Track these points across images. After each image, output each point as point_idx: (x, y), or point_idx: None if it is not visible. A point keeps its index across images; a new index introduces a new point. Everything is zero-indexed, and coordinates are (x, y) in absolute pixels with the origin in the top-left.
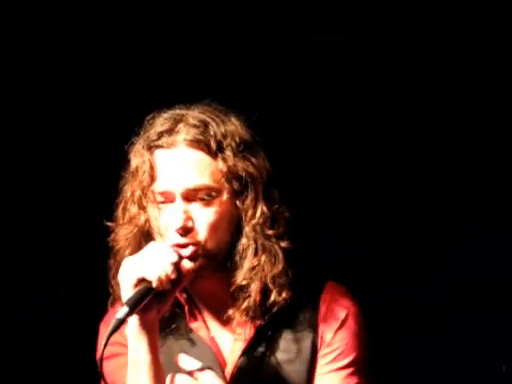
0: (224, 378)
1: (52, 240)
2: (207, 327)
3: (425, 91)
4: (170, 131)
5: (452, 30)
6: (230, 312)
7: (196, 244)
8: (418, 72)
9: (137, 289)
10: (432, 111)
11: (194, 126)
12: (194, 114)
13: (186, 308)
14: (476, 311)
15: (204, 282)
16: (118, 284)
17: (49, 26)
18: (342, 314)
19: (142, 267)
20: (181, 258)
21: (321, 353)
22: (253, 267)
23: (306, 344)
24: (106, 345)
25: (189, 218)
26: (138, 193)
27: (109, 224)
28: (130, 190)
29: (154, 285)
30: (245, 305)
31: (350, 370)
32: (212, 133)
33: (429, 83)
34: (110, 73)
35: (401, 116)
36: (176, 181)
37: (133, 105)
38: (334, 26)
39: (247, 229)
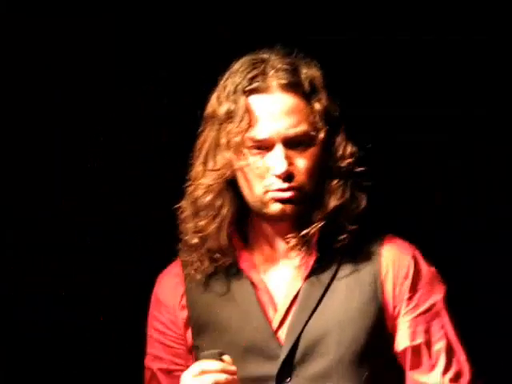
0: (271, 327)
1: (52, 240)
2: (258, 270)
3: (425, 91)
4: (262, 75)
5: (452, 30)
6: (290, 254)
7: (297, 189)
8: (417, 72)
9: None
10: (432, 111)
11: (285, 70)
12: (279, 58)
13: (240, 246)
14: (475, 311)
15: (268, 225)
16: (190, 229)
17: (48, 26)
18: (411, 259)
19: None
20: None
21: (398, 300)
22: (338, 206)
23: (367, 288)
24: None
25: (291, 164)
26: (235, 137)
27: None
28: (223, 135)
29: None
30: (312, 246)
31: (435, 310)
32: (304, 75)
33: (429, 83)
34: (109, 72)
35: (401, 116)
36: (275, 128)
37: (133, 104)
38: (332, 25)
39: (338, 169)
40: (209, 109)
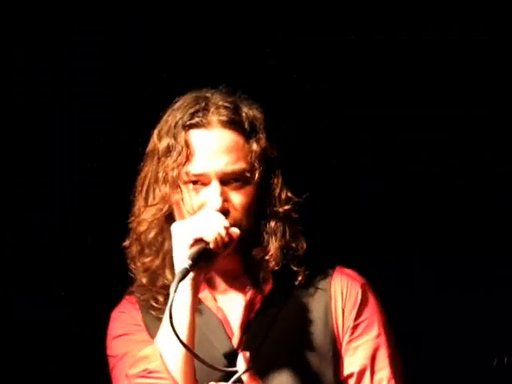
0: (232, 348)
1: (52, 240)
2: (215, 298)
3: (425, 91)
4: (204, 111)
5: (452, 30)
6: (242, 285)
7: (233, 225)
8: (417, 72)
9: (194, 247)
10: (432, 111)
11: (226, 108)
12: (221, 96)
13: None
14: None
15: (227, 262)
16: (138, 269)
17: (48, 26)
18: (359, 289)
19: (199, 228)
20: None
21: (345, 327)
22: (278, 247)
23: (318, 316)
24: (174, 293)
25: (226, 200)
26: (172, 172)
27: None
28: (161, 170)
29: (212, 245)
30: (261, 279)
31: (379, 340)
32: (244, 114)
33: (429, 83)
34: (109, 74)
35: (401, 116)
36: (213, 164)
37: (133, 105)
38: (333, 26)
39: (276, 212)
40: (150, 144)
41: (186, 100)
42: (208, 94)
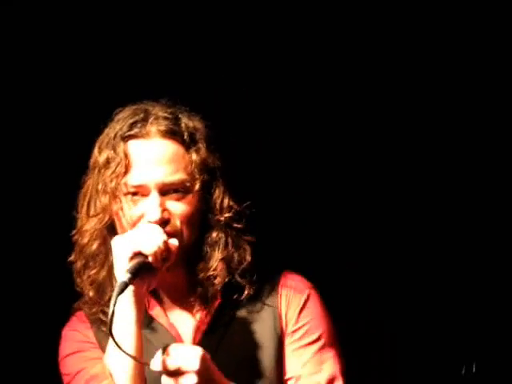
0: None
1: (52, 240)
2: (166, 315)
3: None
4: (143, 121)
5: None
6: (191, 300)
7: (174, 235)
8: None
9: (134, 261)
10: (433, 112)
11: (166, 118)
12: (162, 107)
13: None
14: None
15: (166, 276)
16: (84, 282)
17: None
18: (303, 294)
19: (138, 242)
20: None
21: (289, 331)
22: (222, 259)
23: (267, 324)
24: (114, 306)
25: (165, 210)
26: (110, 184)
27: (83, 219)
28: (101, 181)
29: (151, 259)
30: (209, 294)
31: (320, 344)
32: (184, 125)
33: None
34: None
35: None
36: (151, 175)
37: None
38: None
39: (217, 221)
40: (92, 157)
41: (126, 111)
42: (148, 106)
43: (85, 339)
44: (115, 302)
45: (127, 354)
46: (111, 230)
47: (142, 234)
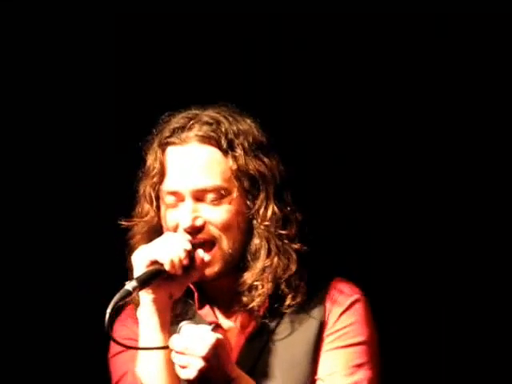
0: None
1: (52, 240)
2: (215, 315)
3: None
4: (183, 128)
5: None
6: (237, 307)
7: (211, 240)
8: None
9: (148, 269)
10: (437, 112)
11: (207, 123)
12: (208, 113)
13: (196, 295)
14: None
15: (214, 284)
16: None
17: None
18: (348, 299)
19: (155, 250)
20: (195, 247)
21: (326, 332)
22: (265, 268)
23: (311, 332)
24: (111, 312)
25: (198, 217)
26: (149, 190)
27: (124, 222)
28: (143, 187)
29: (166, 267)
30: (253, 304)
31: (355, 349)
32: (223, 130)
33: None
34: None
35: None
36: (185, 181)
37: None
38: None
39: (259, 229)
40: (144, 161)
41: (173, 117)
42: (195, 111)
43: (131, 335)
44: (112, 307)
45: (140, 348)
46: (160, 232)
47: (163, 243)
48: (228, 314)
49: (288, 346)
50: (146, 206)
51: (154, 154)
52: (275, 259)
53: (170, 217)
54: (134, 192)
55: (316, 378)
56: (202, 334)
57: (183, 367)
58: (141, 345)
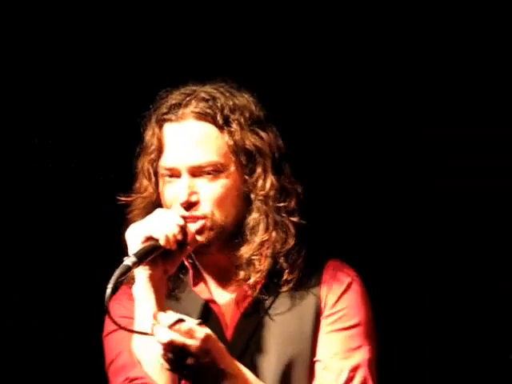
0: (225, 338)
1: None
2: (210, 292)
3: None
4: (180, 105)
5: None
6: (234, 282)
7: (203, 217)
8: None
9: (144, 245)
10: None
11: (203, 100)
12: (205, 89)
13: (191, 272)
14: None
15: (210, 257)
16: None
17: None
18: (345, 281)
19: (149, 226)
20: (186, 222)
21: (324, 314)
22: (263, 242)
23: (307, 311)
24: (112, 288)
25: (193, 193)
26: (146, 166)
27: (123, 198)
28: (141, 163)
29: (161, 242)
30: (252, 280)
31: (353, 331)
32: (219, 106)
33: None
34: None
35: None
36: (181, 158)
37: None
38: None
39: (257, 202)
40: (142, 137)
41: (172, 93)
42: (192, 87)
43: (126, 313)
44: (113, 282)
45: (132, 330)
46: (157, 206)
47: (154, 219)
48: (223, 289)
49: (284, 322)
50: (145, 182)
51: (151, 131)
52: (273, 233)
53: (167, 192)
54: (132, 168)
55: (315, 359)
56: (192, 327)
57: (169, 360)
58: (136, 321)
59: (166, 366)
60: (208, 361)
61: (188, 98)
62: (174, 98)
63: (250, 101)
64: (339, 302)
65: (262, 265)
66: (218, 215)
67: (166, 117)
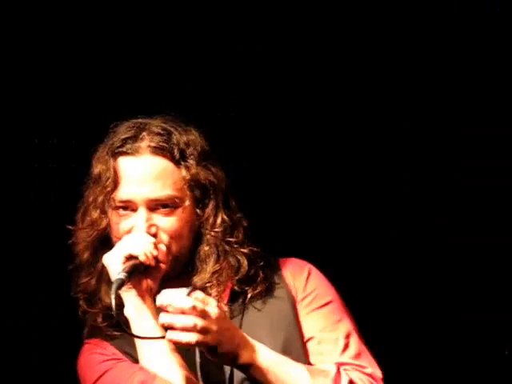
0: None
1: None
2: None
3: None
4: (134, 138)
5: None
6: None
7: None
8: None
9: (127, 263)
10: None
11: (158, 134)
12: (156, 123)
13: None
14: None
15: (168, 286)
16: (78, 290)
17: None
18: (304, 267)
19: (126, 247)
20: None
21: (299, 298)
22: (214, 272)
23: (283, 299)
24: (114, 299)
25: (152, 225)
26: (100, 198)
27: (70, 227)
28: (93, 195)
29: (141, 258)
30: None
31: (330, 307)
32: (175, 141)
33: None
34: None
35: None
36: (139, 191)
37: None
38: None
39: (209, 236)
40: (90, 170)
41: (121, 126)
42: (143, 121)
43: (109, 357)
44: (114, 295)
45: (138, 336)
46: (104, 241)
47: (129, 240)
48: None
49: (265, 316)
50: (95, 215)
51: (104, 163)
52: (224, 263)
53: (123, 225)
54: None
55: (307, 338)
56: (206, 296)
57: (187, 329)
58: (142, 340)
59: (186, 339)
60: (227, 327)
61: (143, 133)
62: (126, 131)
63: (198, 135)
64: (308, 285)
65: (215, 292)
66: (174, 247)
67: (120, 150)
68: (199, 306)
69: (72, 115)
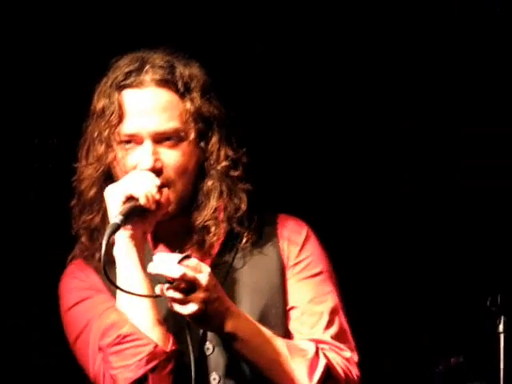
0: None
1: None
2: (171, 252)
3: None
4: (138, 71)
5: None
6: (191, 247)
7: (166, 185)
8: None
9: (126, 204)
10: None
11: (161, 67)
12: (159, 56)
13: (149, 235)
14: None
15: (164, 222)
16: (80, 227)
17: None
18: (302, 231)
19: (129, 186)
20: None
21: (290, 264)
22: (217, 207)
23: (272, 261)
24: (106, 245)
25: (157, 160)
26: (105, 132)
27: (78, 165)
28: (97, 130)
29: (142, 201)
30: (207, 242)
31: (321, 277)
32: (179, 74)
33: None
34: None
35: None
36: (145, 124)
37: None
38: None
39: (213, 171)
40: (92, 105)
41: (123, 60)
42: (145, 54)
43: (89, 286)
44: (106, 242)
45: (127, 291)
46: (109, 177)
47: (133, 179)
48: (182, 253)
49: (250, 276)
50: (101, 149)
51: (107, 97)
52: (227, 200)
53: (128, 158)
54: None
55: (290, 307)
56: (198, 262)
57: (181, 301)
58: (122, 281)
59: (175, 306)
60: (216, 296)
61: (146, 65)
62: (129, 64)
63: (201, 70)
64: (302, 251)
65: (218, 229)
66: (180, 182)
67: (124, 83)
68: (189, 274)
69: (72, 115)
